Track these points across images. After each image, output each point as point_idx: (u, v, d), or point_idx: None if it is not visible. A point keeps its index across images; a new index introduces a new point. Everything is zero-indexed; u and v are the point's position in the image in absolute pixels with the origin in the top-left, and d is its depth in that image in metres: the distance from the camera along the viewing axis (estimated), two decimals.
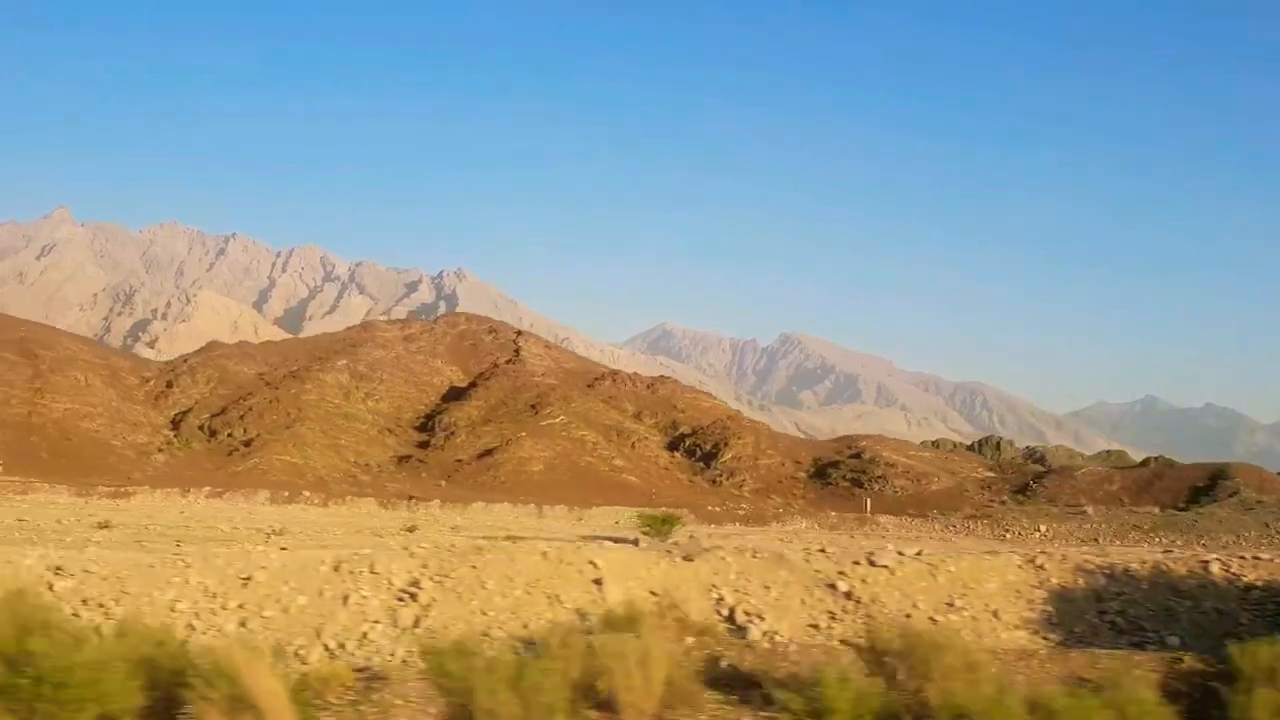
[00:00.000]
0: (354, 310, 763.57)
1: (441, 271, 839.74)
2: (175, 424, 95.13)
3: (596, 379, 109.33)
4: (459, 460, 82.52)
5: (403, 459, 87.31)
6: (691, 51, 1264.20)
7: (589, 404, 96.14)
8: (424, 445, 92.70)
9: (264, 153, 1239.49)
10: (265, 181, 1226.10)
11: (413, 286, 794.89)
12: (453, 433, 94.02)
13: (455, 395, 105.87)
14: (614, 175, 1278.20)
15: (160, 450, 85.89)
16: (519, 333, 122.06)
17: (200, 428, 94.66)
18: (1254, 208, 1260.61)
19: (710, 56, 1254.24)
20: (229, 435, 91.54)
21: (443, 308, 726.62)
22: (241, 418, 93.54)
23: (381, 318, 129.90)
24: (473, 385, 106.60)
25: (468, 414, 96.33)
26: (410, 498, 64.95)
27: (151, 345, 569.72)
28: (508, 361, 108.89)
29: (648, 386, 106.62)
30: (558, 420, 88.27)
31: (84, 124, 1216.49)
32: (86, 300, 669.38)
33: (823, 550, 14.08)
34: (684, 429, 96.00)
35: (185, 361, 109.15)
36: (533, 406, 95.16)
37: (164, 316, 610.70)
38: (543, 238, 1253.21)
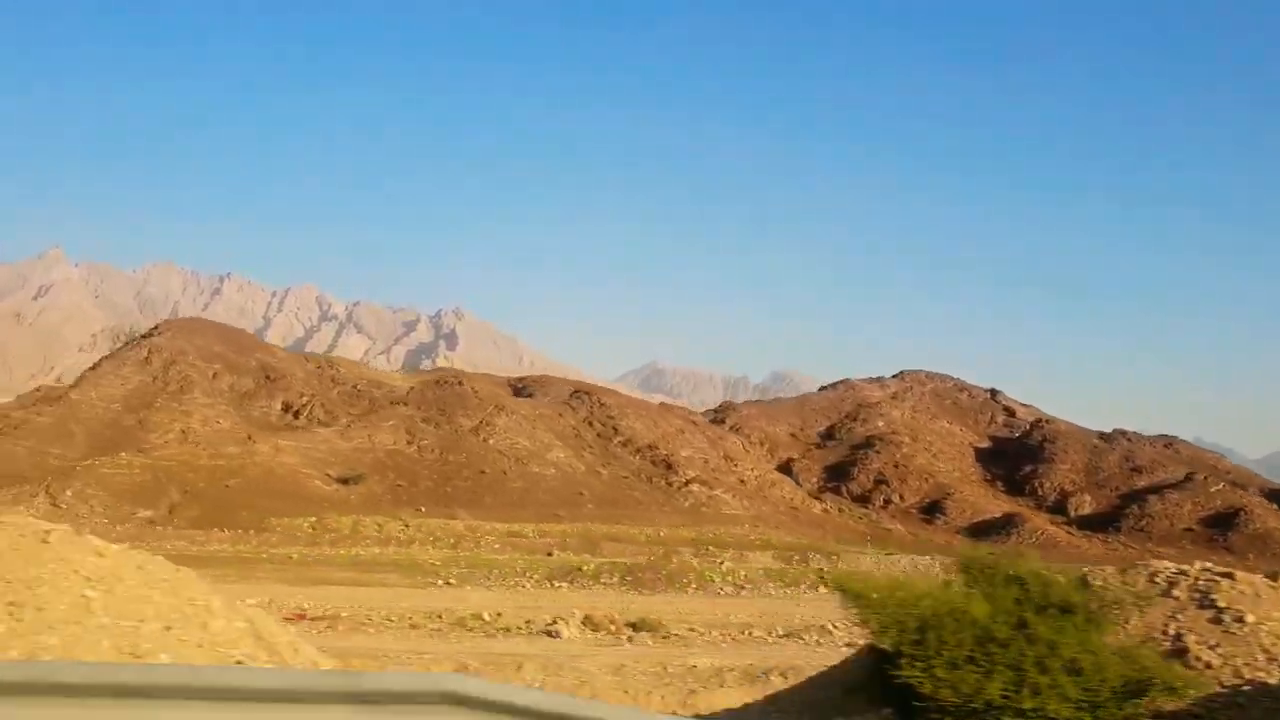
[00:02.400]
0: (352, 350, 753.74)
1: (439, 311, 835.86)
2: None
3: (1105, 438, 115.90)
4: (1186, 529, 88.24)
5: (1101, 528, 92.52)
6: (682, 75, 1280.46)
7: (1169, 470, 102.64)
8: (1057, 511, 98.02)
9: (255, 193, 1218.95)
10: (258, 221, 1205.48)
11: (410, 326, 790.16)
12: (1066, 495, 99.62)
13: (995, 458, 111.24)
14: (602, 208, 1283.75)
15: (857, 519, 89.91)
16: (993, 391, 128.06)
17: (829, 491, 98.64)
18: (1245, 224, 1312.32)
19: (702, 82, 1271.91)
20: (886, 502, 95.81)
21: (442, 347, 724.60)
22: (882, 484, 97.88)
23: (862, 378, 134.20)
24: (1006, 449, 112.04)
25: (1069, 478, 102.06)
26: None
27: None
28: (1034, 425, 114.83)
29: (1166, 445, 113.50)
30: (1219, 488, 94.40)
31: (75, 163, 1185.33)
32: (86, 341, 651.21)
33: None
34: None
35: (723, 420, 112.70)
36: (1134, 470, 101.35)
37: None
38: (533, 275, 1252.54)
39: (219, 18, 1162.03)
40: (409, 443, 78.82)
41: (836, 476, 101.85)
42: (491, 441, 79.19)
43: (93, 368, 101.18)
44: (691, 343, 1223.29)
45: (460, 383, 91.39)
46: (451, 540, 60.89)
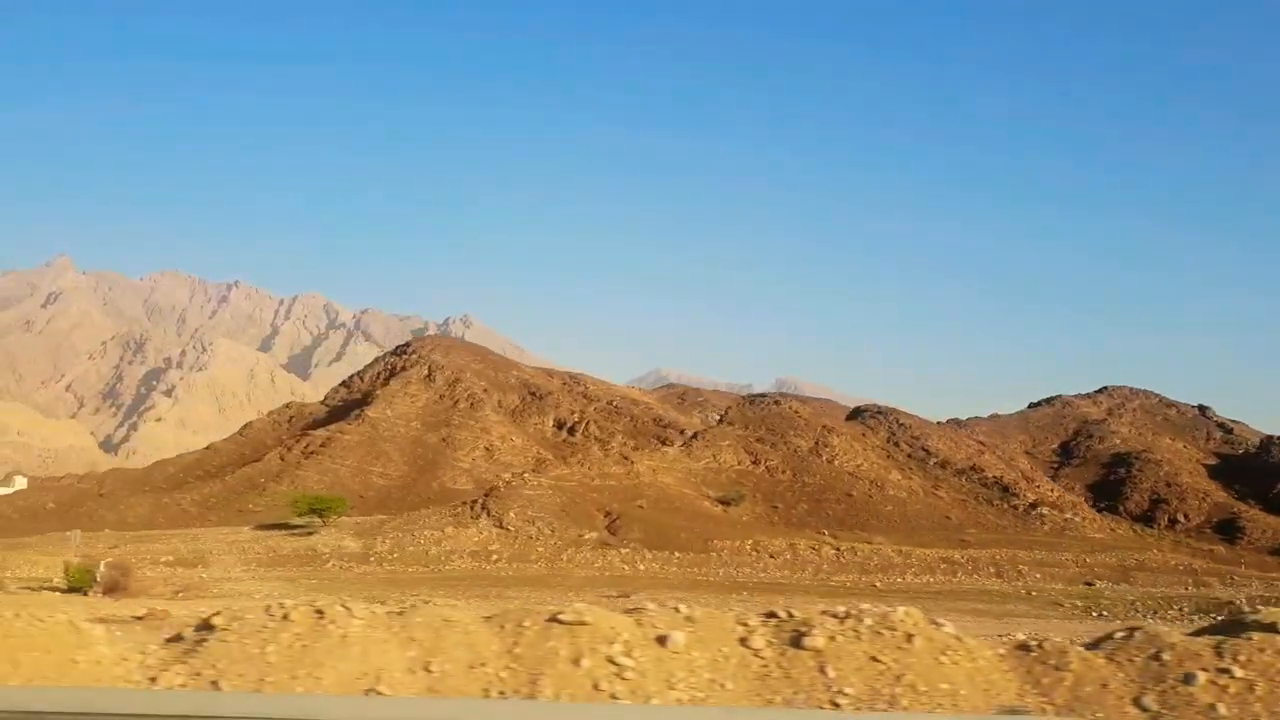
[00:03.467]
0: (360, 358, 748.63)
1: (447, 319, 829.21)
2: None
3: None
4: None
5: None
6: (684, 92, 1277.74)
7: None
8: None
9: (260, 200, 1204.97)
10: (264, 229, 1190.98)
11: (419, 334, 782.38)
12: None
13: (1229, 475, 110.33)
14: (603, 216, 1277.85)
15: (1158, 540, 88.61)
16: (1201, 407, 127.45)
17: (1103, 510, 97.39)
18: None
19: (703, 99, 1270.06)
20: (1171, 522, 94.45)
21: None
22: (1161, 503, 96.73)
23: (1074, 394, 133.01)
24: (1242, 467, 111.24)
25: None
26: None
27: (169, 395, 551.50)
28: (1267, 442, 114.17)
29: None
30: None
31: (80, 170, 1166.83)
32: (96, 349, 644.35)
33: None
34: None
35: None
36: None
37: (179, 365, 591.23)
38: (535, 282, 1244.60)
39: (224, 27, 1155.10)
40: (754, 463, 77.01)
41: (1103, 495, 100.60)
42: (836, 463, 77.50)
43: (369, 384, 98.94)
44: (693, 350, 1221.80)
45: (777, 402, 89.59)
46: (900, 564, 59.23)
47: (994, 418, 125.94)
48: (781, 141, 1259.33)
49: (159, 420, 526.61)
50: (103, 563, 36.12)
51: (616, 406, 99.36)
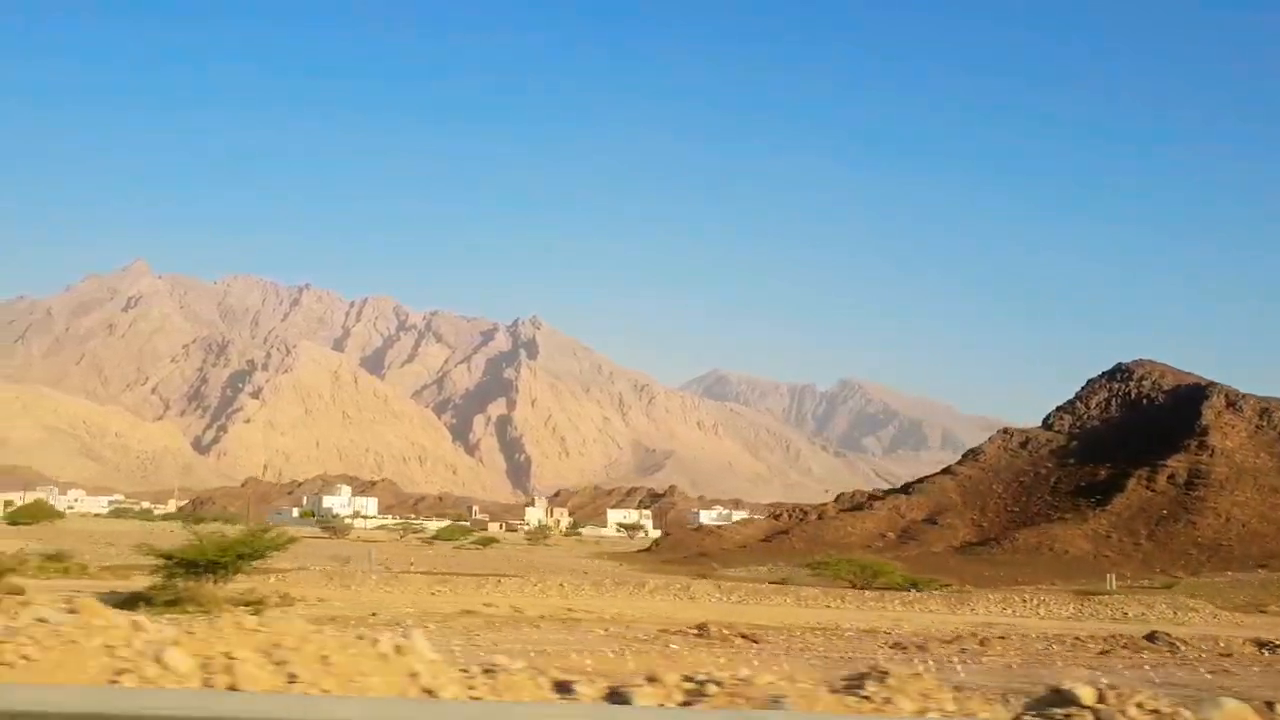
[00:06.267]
0: (432, 359, 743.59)
1: (517, 320, 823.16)
2: None
3: None
4: None
5: None
6: (744, 95, 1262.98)
7: None
8: None
9: (329, 203, 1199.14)
10: (332, 232, 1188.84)
11: (489, 335, 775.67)
12: None
13: None
14: (660, 216, 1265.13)
15: None
16: None
17: None
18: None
19: (760, 100, 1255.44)
20: None
21: (523, 355, 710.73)
22: None
23: None
24: None
25: None
26: None
27: (255, 396, 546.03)
28: None
29: None
30: None
31: (154, 174, 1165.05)
32: (178, 352, 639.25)
33: None
34: None
35: None
36: None
37: (264, 367, 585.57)
38: (598, 282, 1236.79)
39: (292, 40, 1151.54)
40: None
41: None
42: None
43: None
44: (752, 349, 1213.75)
45: None
46: None
47: None
48: (827, 146, 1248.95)
49: (248, 422, 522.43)
50: None
51: None
